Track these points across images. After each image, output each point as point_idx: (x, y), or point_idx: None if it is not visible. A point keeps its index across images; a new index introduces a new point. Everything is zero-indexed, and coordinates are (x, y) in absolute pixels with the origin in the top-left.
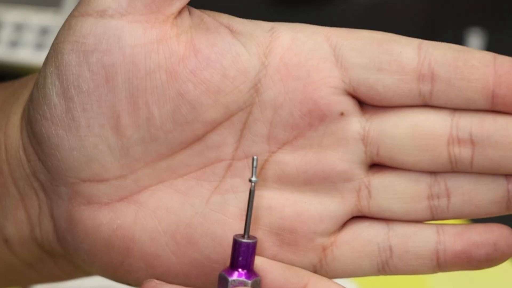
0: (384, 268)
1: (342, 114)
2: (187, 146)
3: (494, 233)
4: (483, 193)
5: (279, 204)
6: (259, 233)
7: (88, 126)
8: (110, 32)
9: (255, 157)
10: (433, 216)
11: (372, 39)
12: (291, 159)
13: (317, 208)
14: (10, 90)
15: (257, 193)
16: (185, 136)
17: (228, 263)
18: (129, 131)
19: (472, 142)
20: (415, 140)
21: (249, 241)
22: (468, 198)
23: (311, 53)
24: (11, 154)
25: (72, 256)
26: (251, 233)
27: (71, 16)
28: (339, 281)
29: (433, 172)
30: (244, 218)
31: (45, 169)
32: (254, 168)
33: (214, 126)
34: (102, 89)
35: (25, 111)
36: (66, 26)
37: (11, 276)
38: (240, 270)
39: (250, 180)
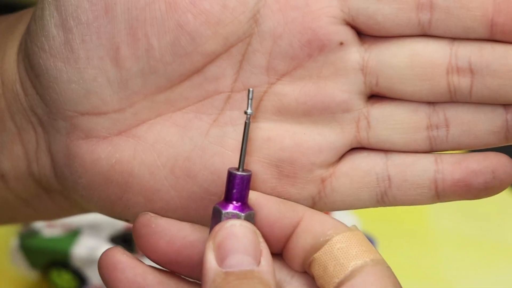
0: (383, 198)
1: (341, 44)
2: (186, 79)
3: (492, 161)
4: (482, 123)
5: (279, 135)
6: (258, 165)
7: (87, 58)
8: None
9: (250, 89)
10: (432, 147)
11: None
12: (290, 90)
13: (316, 139)
14: (5, 24)
15: (256, 125)
16: (184, 68)
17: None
18: (128, 63)
19: (471, 71)
20: (414, 69)
21: (243, 173)
22: (467, 128)
23: None
24: (8, 88)
25: (69, 191)
26: (251, 165)
27: None
28: (340, 213)
29: (432, 103)
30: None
31: (43, 103)
32: (249, 100)
33: (213, 57)
34: (101, 20)
35: (21, 45)
36: None
37: (7, 213)
38: (234, 203)
39: (245, 112)
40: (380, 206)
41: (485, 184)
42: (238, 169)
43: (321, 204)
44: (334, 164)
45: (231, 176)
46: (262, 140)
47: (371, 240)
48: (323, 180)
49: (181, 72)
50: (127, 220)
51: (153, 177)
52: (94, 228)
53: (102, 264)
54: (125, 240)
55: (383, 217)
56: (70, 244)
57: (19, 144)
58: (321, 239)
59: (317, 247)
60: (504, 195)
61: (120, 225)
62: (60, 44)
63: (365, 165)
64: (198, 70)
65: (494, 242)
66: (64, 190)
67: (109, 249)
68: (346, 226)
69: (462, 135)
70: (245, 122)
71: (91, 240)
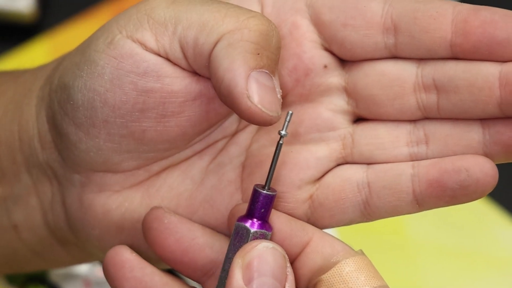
0: (366, 209)
1: (325, 67)
2: (200, 137)
3: (467, 161)
4: (459, 139)
5: (269, 157)
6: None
7: (109, 135)
8: (150, 62)
9: (290, 112)
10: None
11: None
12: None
13: (303, 155)
14: (21, 80)
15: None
16: (200, 130)
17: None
18: (152, 143)
19: (436, 87)
20: (384, 88)
21: (269, 192)
22: (445, 143)
23: (290, 11)
24: (25, 143)
25: (84, 242)
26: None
27: (115, 31)
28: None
29: (412, 120)
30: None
31: (60, 157)
32: (287, 123)
33: (226, 114)
34: (130, 108)
35: (44, 99)
36: (108, 39)
37: (16, 263)
38: (258, 221)
39: (279, 133)
40: (366, 219)
41: (459, 183)
42: (264, 187)
43: (313, 222)
44: (320, 179)
45: (256, 193)
46: (255, 164)
47: None
48: (311, 196)
49: (197, 136)
50: None
51: None
52: None
53: (109, 261)
54: None
55: (362, 228)
56: None
57: (34, 195)
58: (330, 261)
59: (325, 269)
60: (481, 205)
61: None
62: (84, 116)
63: (345, 174)
64: (211, 126)
65: (473, 252)
66: (79, 241)
67: (117, 247)
68: (354, 250)
69: (442, 151)
70: (278, 143)
71: None
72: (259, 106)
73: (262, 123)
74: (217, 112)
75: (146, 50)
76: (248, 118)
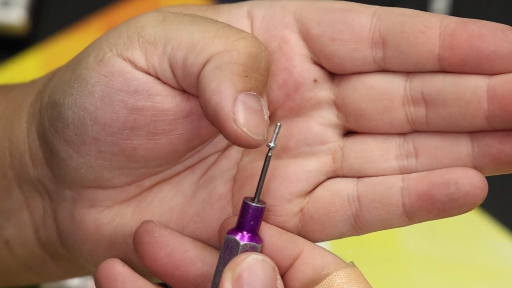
0: (357, 222)
1: (315, 81)
2: (192, 153)
3: (456, 173)
4: (448, 152)
5: (259, 171)
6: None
7: (99, 152)
8: (141, 81)
9: (278, 124)
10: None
11: (329, 9)
12: (269, 130)
13: (293, 169)
14: (11, 95)
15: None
16: (192, 147)
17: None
18: (144, 160)
19: (424, 101)
20: (372, 102)
21: (258, 205)
22: (434, 156)
23: (279, 26)
24: (16, 159)
25: (75, 257)
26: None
27: (106, 49)
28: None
29: (402, 133)
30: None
31: (51, 174)
32: (275, 135)
33: (216, 132)
34: (121, 126)
35: (34, 116)
36: (99, 57)
37: (8, 278)
38: (248, 233)
39: (267, 145)
40: (357, 232)
41: (449, 195)
42: (254, 200)
43: (304, 235)
44: (310, 193)
45: (246, 206)
46: (245, 177)
47: None
48: (301, 209)
49: (189, 153)
50: None
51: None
52: None
53: (100, 274)
54: None
55: (353, 240)
56: None
57: (26, 211)
58: (322, 273)
59: (316, 281)
60: (473, 216)
61: None
62: (74, 134)
63: (336, 187)
64: (203, 143)
65: (464, 263)
66: (71, 256)
67: (109, 260)
68: (345, 262)
69: (431, 164)
70: (267, 155)
71: None
72: (245, 129)
73: (248, 146)
74: (208, 129)
75: (136, 68)
76: (234, 141)
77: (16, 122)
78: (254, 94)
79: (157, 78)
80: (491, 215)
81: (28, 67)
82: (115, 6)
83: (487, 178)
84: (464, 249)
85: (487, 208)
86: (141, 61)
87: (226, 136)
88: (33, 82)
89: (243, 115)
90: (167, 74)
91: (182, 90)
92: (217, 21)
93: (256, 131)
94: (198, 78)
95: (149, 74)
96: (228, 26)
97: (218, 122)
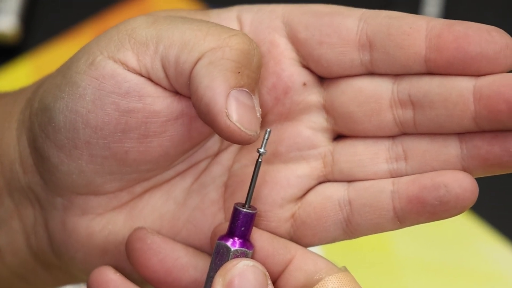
0: (348, 226)
1: (304, 84)
2: (183, 158)
3: (446, 176)
4: (437, 154)
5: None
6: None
7: (91, 156)
8: (132, 82)
9: (268, 130)
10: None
11: (317, 13)
12: (259, 135)
13: (284, 174)
14: (1, 103)
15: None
16: (183, 151)
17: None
18: (135, 164)
19: (412, 103)
20: (360, 105)
21: (249, 211)
22: (423, 159)
23: (268, 30)
24: (6, 167)
25: (67, 265)
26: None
27: (96, 52)
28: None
29: (391, 136)
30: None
31: (42, 181)
32: (265, 140)
33: (208, 134)
34: (112, 129)
35: (24, 122)
36: (90, 60)
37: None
38: (239, 239)
39: (258, 151)
40: (348, 236)
41: (439, 198)
42: (244, 206)
43: (296, 241)
44: (302, 198)
45: (236, 212)
46: (237, 183)
47: None
48: (293, 214)
49: (180, 157)
50: None
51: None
52: None
53: (92, 282)
54: None
55: (345, 244)
56: None
57: (17, 219)
58: (314, 278)
59: (308, 286)
60: (465, 220)
61: None
62: (65, 138)
63: (327, 192)
64: (194, 146)
65: (457, 267)
66: (62, 264)
67: (101, 267)
68: (337, 267)
69: (420, 167)
70: (257, 160)
71: None
72: (238, 124)
73: (241, 141)
74: (199, 131)
75: (128, 70)
76: (227, 136)
77: (6, 130)
78: (246, 91)
79: (149, 79)
80: (482, 218)
81: (20, 75)
82: (106, 13)
83: (478, 181)
84: (456, 252)
85: (478, 211)
86: (133, 62)
87: (219, 132)
88: (22, 90)
89: (236, 110)
90: (159, 74)
91: (174, 92)
92: (208, 21)
93: (249, 127)
94: (190, 76)
95: (141, 75)
96: (219, 25)
97: (211, 118)
